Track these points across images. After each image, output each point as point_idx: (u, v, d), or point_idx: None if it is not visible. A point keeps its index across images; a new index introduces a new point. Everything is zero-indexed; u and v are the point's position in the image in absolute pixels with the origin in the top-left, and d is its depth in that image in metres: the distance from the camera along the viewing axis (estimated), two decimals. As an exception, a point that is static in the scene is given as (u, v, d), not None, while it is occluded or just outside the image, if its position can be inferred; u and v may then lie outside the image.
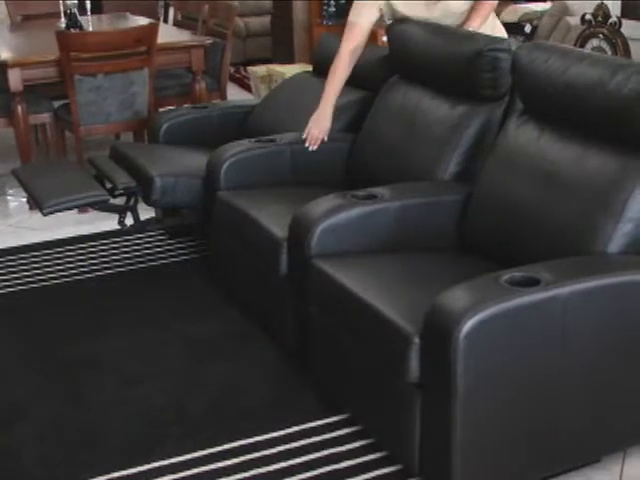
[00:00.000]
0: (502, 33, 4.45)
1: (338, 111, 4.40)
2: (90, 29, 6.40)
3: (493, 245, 3.39)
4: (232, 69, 9.39)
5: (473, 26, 4.23)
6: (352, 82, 4.58)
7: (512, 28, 5.81)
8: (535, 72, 3.42)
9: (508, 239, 3.31)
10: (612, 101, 3.10)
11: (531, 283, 2.70)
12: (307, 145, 4.33)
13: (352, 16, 4.42)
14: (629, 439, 3.08)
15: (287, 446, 3.19)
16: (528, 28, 7.33)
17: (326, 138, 4.33)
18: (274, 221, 3.77)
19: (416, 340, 2.73)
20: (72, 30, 5.99)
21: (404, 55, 4.32)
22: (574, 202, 3.11)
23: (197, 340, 3.95)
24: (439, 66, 4.04)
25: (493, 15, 4.47)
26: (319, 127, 4.31)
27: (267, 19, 10.55)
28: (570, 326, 2.74)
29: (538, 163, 3.31)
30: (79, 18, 6.16)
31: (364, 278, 3.17)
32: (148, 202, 4.55)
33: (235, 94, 8.46)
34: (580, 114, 3.26)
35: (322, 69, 5.10)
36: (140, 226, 4.79)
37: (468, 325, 2.56)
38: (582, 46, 6.49)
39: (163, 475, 3.06)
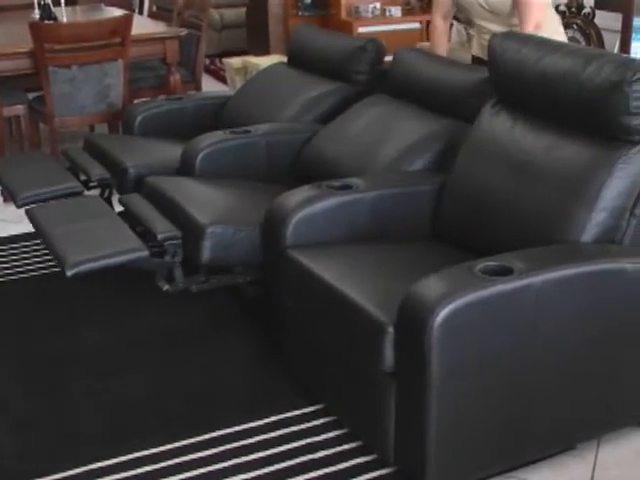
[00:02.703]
0: (563, 38, 4.40)
1: (311, 102, 4.40)
2: (64, 20, 6.37)
3: (467, 234, 3.40)
4: (207, 61, 9.37)
5: (528, 30, 4.08)
6: (325, 73, 4.59)
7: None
8: (508, 62, 3.44)
9: (482, 228, 3.32)
10: (585, 91, 3.12)
11: (505, 272, 2.71)
12: None
13: None
14: (603, 426, 3.10)
15: (264, 436, 3.19)
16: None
17: None
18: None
19: (390, 329, 2.73)
20: (46, 21, 5.96)
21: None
22: (547, 191, 3.13)
23: (174, 331, 3.94)
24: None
25: (558, 20, 4.54)
26: None
27: (242, 11, 10.51)
28: (543, 315, 2.75)
29: (512, 152, 3.32)
30: (53, 9, 6.14)
31: (338, 268, 3.17)
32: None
33: (211, 86, 8.44)
34: (553, 104, 3.28)
35: (297, 60, 5.12)
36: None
37: (442, 314, 2.56)
38: (556, 37, 6.49)
39: (142, 466, 3.05)
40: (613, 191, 3.01)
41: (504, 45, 3.47)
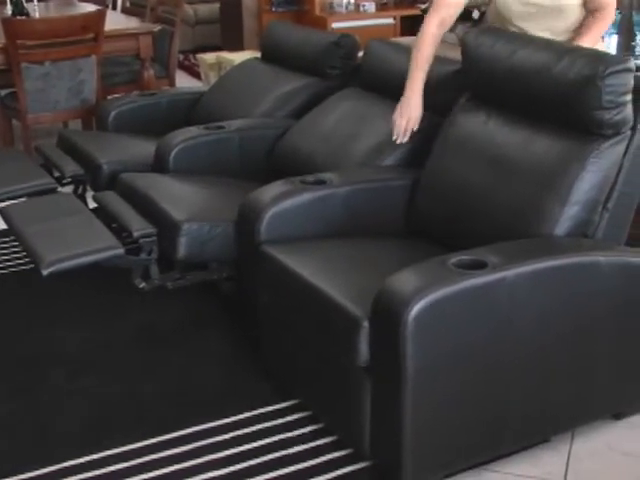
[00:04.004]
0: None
1: (285, 98, 4.39)
2: (37, 16, 6.35)
3: (441, 229, 3.41)
4: (181, 56, 9.36)
5: (584, 43, 3.66)
6: (299, 68, 4.59)
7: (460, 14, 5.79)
8: (482, 57, 3.45)
9: (456, 223, 3.33)
10: (558, 86, 3.13)
11: (479, 266, 2.72)
12: (395, 138, 3.71)
13: None
14: (577, 419, 3.11)
15: (238, 432, 3.19)
16: (476, 14, 7.33)
17: (416, 127, 3.69)
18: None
19: (365, 324, 2.73)
20: (18, 17, 5.93)
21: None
22: (521, 185, 3.14)
23: (151, 329, 3.93)
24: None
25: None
26: (408, 115, 3.66)
27: (216, 6, 10.49)
28: (517, 309, 2.76)
29: (486, 147, 3.33)
30: (25, 5, 6.11)
31: (313, 263, 3.16)
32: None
33: (185, 82, 8.43)
34: (527, 99, 3.29)
35: (271, 56, 5.11)
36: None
37: (416, 308, 2.56)
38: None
39: (116, 463, 3.04)
40: (586, 185, 3.03)
41: (478, 40, 3.47)
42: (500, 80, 3.37)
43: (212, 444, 3.13)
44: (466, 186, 3.33)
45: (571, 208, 3.03)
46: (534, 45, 3.32)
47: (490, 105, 3.44)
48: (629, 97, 3.05)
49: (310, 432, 3.18)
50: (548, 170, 3.10)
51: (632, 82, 3.05)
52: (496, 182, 3.22)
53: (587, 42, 3.67)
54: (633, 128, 3.11)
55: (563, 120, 3.16)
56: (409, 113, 3.68)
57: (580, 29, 3.78)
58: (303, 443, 3.12)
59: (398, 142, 3.71)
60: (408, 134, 3.70)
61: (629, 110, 3.07)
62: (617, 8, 4.54)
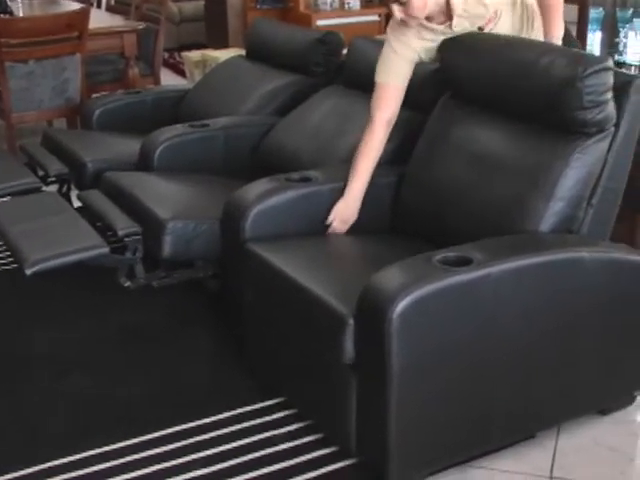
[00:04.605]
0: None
1: (270, 95, 4.38)
2: (20, 14, 6.33)
3: (425, 227, 3.40)
4: (166, 54, 9.33)
5: (558, 36, 3.50)
6: (284, 66, 4.58)
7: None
8: (462, 57, 3.45)
9: (440, 220, 3.33)
10: (539, 87, 3.13)
11: (464, 263, 2.72)
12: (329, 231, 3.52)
13: (381, 76, 3.54)
14: (563, 415, 3.12)
15: (224, 430, 3.19)
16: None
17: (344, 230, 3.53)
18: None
19: (350, 321, 2.73)
20: (1, 16, 5.91)
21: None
22: (505, 182, 3.14)
23: (136, 328, 3.92)
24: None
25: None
26: (342, 218, 3.52)
27: (201, 4, 10.48)
28: (502, 305, 2.76)
29: (468, 145, 3.33)
30: (9, 3, 6.10)
31: (297, 260, 3.16)
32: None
33: (170, 80, 8.41)
34: (508, 99, 3.29)
35: (255, 53, 5.11)
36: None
37: (402, 305, 2.56)
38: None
39: (98, 463, 3.03)
40: (570, 181, 3.03)
41: (458, 39, 3.48)
42: (481, 81, 3.38)
43: (197, 442, 3.12)
44: (450, 183, 3.33)
45: (556, 204, 3.03)
46: (514, 44, 3.33)
47: (472, 104, 3.45)
48: (610, 95, 3.06)
49: (296, 429, 3.17)
50: (532, 167, 3.10)
51: (612, 80, 3.05)
52: (480, 179, 3.23)
53: (556, 24, 3.50)
54: (616, 125, 3.11)
55: (546, 119, 3.16)
56: (347, 218, 3.52)
57: (545, 23, 3.54)
58: (289, 441, 3.12)
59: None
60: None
61: (611, 107, 3.07)
62: (600, 5, 4.56)
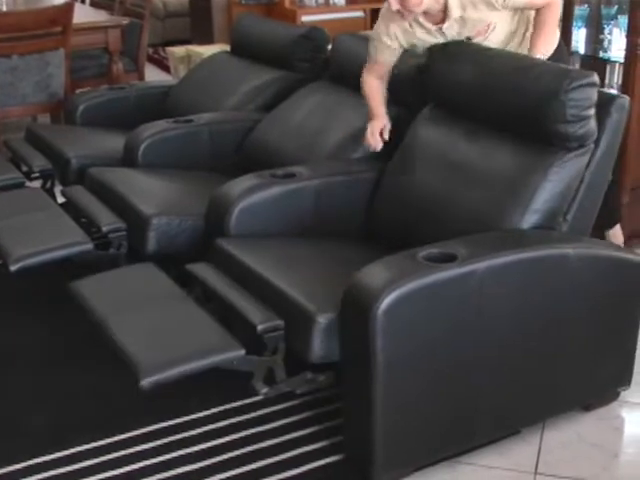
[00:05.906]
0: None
1: (254, 91, 4.37)
2: (3, 9, 6.29)
3: (400, 235, 3.35)
4: (151, 50, 9.31)
5: (543, 52, 3.50)
6: (269, 62, 4.57)
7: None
8: (446, 69, 3.46)
9: (415, 229, 3.32)
10: (523, 99, 3.14)
11: (448, 259, 2.72)
12: (370, 146, 3.64)
13: (375, 53, 3.71)
14: (548, 411, 3.13)
15: (212, 426, 3.18)
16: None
17: (386, 135, 3.61)
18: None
19: (320, 320, 2.74)
20: (-15, 10, 5.89)
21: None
22: (482, 193, 3.14)
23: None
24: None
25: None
26: (379, 127, 3.61)
27: (186, -1, 10.46)
28: (487, 301, 2.76)
29: (447, 155, 3.34)
30: (-8, -2, 6.06)
31: (272, 259, 3.17)
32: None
33: (154, 75, 8.38)
34: (491, 111, 3.30)
35: (240, 49, 5.10)
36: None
37: (386, 301, 2.56)
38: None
39: (84, 460, 3.02)
40: (547, 194, 3.04)
41: (443, 52, 3.48)
42: (464, 93, 3.39)
43: (184, 439, 3.12)
44: (427, 192, 3.33)
45: (531, 216, 3.03)
46: (498, 57, 3.34)
47: (454, 114, 3.45)
48: (593, 111, 3.06)
49: (282, 426, 3.17)
50: (510, 178, 3.10)
51: (595, 96, 3.05)
52: (457, 188, 3.22)
53: (543, 39, 3.51)
54: (596, 141, 3.12)
55: (527, 132, 3.16)
56: (380, 125, 3.61)
57: (532, 37, 3.56)
58: (275, 437, 3.11)
59: (372, 150, 3.64)
60: (380, 142, 3.62)
61: (593, 123, 3.07)
62: (585, 2, 4.56)
